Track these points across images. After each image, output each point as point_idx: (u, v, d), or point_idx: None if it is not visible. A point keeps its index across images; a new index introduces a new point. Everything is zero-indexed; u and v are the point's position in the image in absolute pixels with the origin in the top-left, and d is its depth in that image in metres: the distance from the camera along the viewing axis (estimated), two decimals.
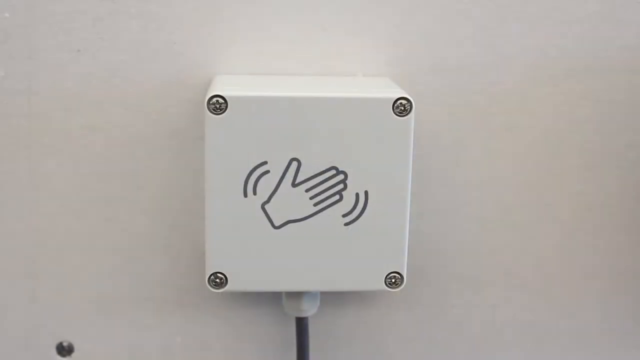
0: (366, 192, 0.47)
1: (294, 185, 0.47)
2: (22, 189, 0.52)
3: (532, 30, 0.51)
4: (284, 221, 0.47)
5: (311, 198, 0.47)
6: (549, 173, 0.54)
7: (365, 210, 0.47)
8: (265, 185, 0.46)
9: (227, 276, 0.47)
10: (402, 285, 0.49)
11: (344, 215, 0.47)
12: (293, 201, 0.47)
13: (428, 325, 0.56)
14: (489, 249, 0.55)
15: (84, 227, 0.53)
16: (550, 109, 0.53)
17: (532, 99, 0.53)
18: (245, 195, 0.46)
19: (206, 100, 0.45)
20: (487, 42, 0.51)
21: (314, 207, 0.47)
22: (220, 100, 0.45)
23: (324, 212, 0.47)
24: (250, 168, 0.46)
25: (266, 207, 0.47)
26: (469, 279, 0.56)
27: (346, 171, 0.46)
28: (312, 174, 0.46)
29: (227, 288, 0.48)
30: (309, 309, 0.52)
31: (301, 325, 0.53)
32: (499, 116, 0.53)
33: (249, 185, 0.46)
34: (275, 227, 0.47)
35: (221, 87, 0.46)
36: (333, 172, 0.46)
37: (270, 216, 0.47)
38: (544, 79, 0.52)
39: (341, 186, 0.47)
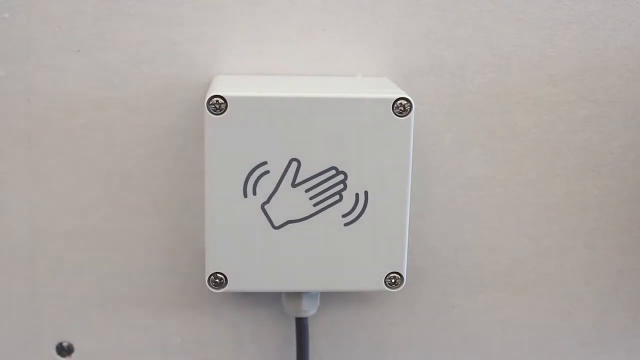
0: (366, 192, 0.47)
1: (293, 185, 0.47)
2: (22, 189, 0.52)
3: (532, 30, 0.51)
4: (283, 221, 0.47)
5: (311, 198, 0.47)
6: (549, 173, 0.54)
7: (365, 211, 0.47)
8: (265, 186, 0.46)
9: (227, 276, 0.47)
10: (402, 286, 0.49)
11: (344, 216, 0.47)
12: (293, 201, 0.47)
13: (428, 325, 0.56)
14: (489, 249, 0.55)
15: (84, 227, 0.53)
16: (550, 109, 0.53)
17: (532, 99, 0.52)
18: (245, 195, 0.46)
19: (206, 100, 0.45)
20: (487, 42, 0.51)
21: (314, 207, 0.47)
22: (220, 101, 0.45)
23: (324, 212, 0.47)
24: (250, 168, 0.46)
25: (266, 207, 0.47)
26: (469, 279, 0.56)
27: (346, 171, 0.46)
28: (312, 174, 0.46)
29: (227, 288, 0.48)
30: (308, 309, 0.52)
31: (301, 325, 0.53)
32: (499, 116, 0.53)
33: (249, 185, 0.46)
34: (275, 228, 0.47)
35: (221, 87, 0.46)
36: (333, 172, 0.46)
37: (270, 216, 0.47)
38: (544, 79, 0.52)
39: (341, 186, 0.47)
